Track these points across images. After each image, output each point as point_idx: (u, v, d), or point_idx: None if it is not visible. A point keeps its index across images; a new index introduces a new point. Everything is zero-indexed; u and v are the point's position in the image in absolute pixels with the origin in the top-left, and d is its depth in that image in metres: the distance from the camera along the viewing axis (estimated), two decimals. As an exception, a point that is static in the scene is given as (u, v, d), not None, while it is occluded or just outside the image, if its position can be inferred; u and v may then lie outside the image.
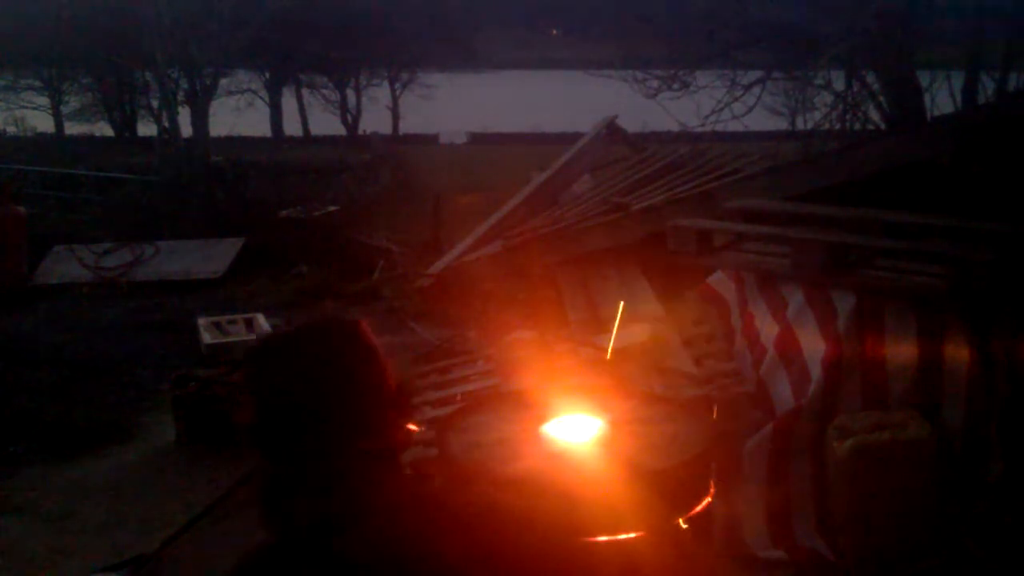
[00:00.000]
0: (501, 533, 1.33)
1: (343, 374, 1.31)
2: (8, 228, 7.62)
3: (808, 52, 6.59)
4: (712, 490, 2.17)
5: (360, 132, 19.38)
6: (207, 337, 5.74)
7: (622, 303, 3.08)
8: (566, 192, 5.74)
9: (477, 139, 19.37)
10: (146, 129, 17.47)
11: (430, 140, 19.28)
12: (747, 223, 3.73)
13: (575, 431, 2.10)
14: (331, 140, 18.19)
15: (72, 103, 18.96)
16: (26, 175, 11.92)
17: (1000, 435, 3.05)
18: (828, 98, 7.11)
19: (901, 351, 3.10)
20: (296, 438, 1.29)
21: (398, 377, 1.34)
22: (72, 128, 18.66)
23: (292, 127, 20.01)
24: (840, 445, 2.96)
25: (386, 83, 20.79)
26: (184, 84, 14.88)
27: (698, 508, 2.08)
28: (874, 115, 6.82)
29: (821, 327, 3.17)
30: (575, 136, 6.62)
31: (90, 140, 17.47)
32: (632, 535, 1.95)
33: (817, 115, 7.32)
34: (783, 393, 3.19)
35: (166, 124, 14.53)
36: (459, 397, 3.25)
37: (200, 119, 14.70)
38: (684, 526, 2.04)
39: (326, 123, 19.75)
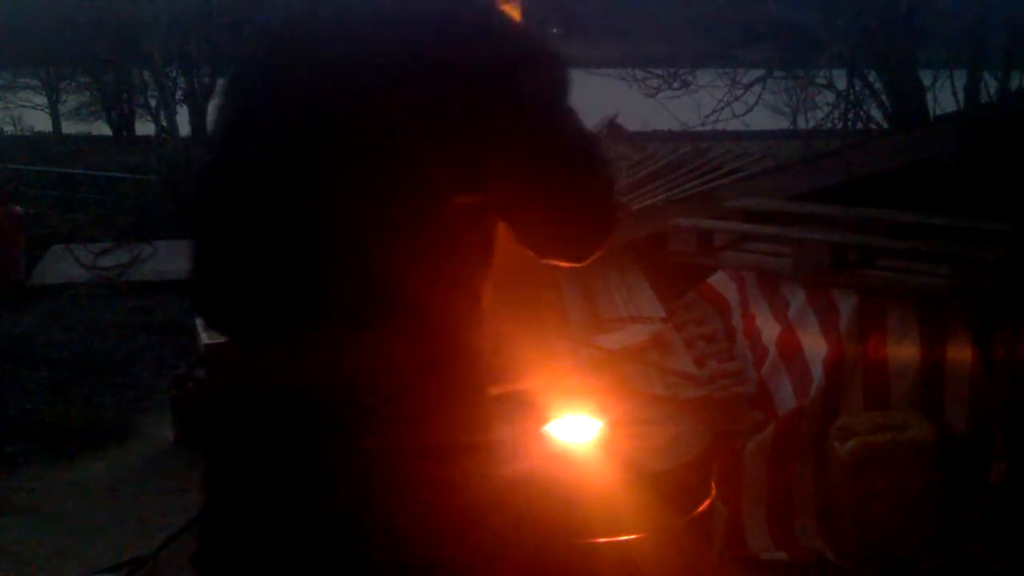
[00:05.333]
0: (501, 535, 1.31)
1: None
2: (4, 228, 7.59)
3: (810, 50, 6.57)
4: (713, 491, 2.15)
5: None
6: (205, 337, 5.69)
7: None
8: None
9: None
10: (144, 128, 17.40)
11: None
12: (748, 223, 3.70)
13: (575, 432, 2.09)
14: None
15: (70, 102, 18.90)
16: (24, 174, 11.87)
17: (1003, 435, 3.03)
18: (830, 97, 7.10)
19: (904, 351, 3.08)
20: None
21: None
22: (70, 127, 18.61)
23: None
24: (842, 446, 2.95)
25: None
26: (182, 83, 14.83)
27: (699, 509, 2.06)
28: (876, 114, 6.80)
29: (823, 327, 3.15)
30: (576, 135, 6.56)
31: (88, 139, 17.40)
32: (632, 537, 1.94)
33: (819, 114, 7.31)
34: (785, 394, 3.17)
35: (164, 123, 14.49)
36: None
37: (199, 118, 14.66)
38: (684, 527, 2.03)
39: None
